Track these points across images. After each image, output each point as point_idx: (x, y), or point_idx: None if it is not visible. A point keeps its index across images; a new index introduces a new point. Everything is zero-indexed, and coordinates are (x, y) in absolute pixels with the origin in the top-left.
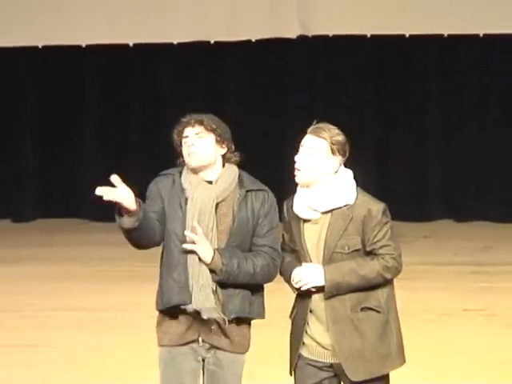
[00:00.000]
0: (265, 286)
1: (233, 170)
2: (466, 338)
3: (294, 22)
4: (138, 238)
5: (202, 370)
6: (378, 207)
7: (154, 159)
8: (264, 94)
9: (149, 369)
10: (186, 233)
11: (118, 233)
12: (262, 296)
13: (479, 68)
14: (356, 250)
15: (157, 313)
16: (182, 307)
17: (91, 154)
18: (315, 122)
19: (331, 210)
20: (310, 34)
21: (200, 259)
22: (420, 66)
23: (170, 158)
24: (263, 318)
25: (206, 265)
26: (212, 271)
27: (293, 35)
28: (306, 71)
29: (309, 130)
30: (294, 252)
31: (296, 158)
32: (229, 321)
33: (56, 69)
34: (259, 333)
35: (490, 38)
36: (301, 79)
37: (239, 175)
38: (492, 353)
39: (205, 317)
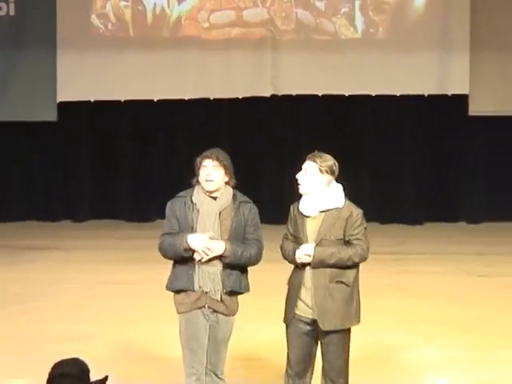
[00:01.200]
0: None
1: (229, 189)
2: (387, 304)
3: (268, 85)
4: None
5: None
6: (357, 212)
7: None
8: (249, 136)
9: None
10: (206, 234)
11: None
12: (247, 275)
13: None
14: (338, 239)
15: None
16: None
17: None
18: (316, 151)
19: (326, 211)
20: (280, 93)
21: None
22: (354, 121)
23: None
24: (249, 291)
25: (221, 253)
26: (221, 257)
27: (267, 94)
28: (280, 119)
29: (308, 156)
30: (295, 239)
31: (297, 175)
32: (225, 293)
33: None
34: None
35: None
36: (278, 128)
37: (233, 193)
38: (405, 314)
39: (212, 296)
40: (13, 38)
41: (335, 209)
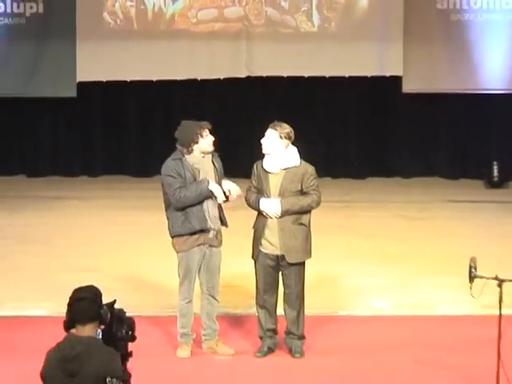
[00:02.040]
0: None
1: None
2: (337, 242)
3: (243, 68)
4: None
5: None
6: (311, 168)
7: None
8: (229, 108)
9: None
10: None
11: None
12: None
13: None
14: (297, 191)
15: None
16: (203, 229)
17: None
18: (275, 121)
19: (286, 168)
20: (253, 74)
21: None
22: (311, 97)
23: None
24: (227, 226)
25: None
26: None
27: (243, 75)
28: (254, 96)
29: (270, 125)
30: (258, 190)
31: (261, 140)
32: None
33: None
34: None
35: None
36: (253, 102)
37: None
38: (350, 250)
39: (214, 232)
40: (41, 31)
41: (294, 167)
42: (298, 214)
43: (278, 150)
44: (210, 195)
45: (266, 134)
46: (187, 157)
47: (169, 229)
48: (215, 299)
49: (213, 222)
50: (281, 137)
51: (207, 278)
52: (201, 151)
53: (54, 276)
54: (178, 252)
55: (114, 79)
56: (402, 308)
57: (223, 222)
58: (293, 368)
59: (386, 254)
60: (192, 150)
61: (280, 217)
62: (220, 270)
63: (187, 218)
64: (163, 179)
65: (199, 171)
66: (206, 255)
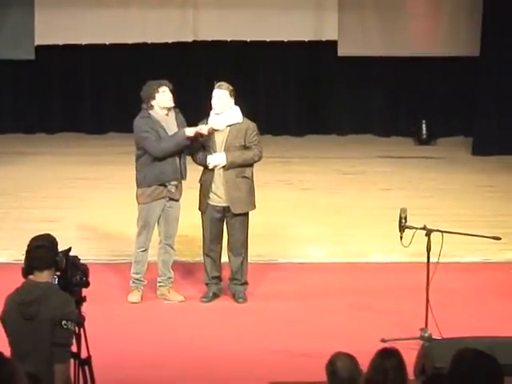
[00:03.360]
0: None
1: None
2: (277, 195)
3: (190, 33)
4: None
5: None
6: (253, 125)
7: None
8: (176, 69)
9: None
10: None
11: None
12: None
13: None
14: (241, 146)
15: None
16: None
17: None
18: (215, 82)
19: (231, 125)
20: (198, 39)
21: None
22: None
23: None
24: (185, 179)
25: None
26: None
27: (190, 39)
28: (199, 59)
29: (216, 86)
30: (204, 147)
31: (213, 101)
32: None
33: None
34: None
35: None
36: (198, 65)
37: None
38: (289, 202)
39: (175, 189)
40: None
41: (237, 123)
42: (241, 168)
43: (228, 108)
44: (187, 145)
45: (216, 94)
46: (152, 114)
47: (137, 180)
48: (172, 248)
49: (185, 173)
50: (230, 95)
51: (165, 229)
52: (160, 107)
53: (13, 225)
54: (139, 203)
55: (69, 43)
56: (336, 256)
57: (182, 174)
58: (236, 312)
59: (321, 206)
60: (151, 105)
61: (225, 169)
62: (178, 222)
63: (162, 170)
64: (137, 135)
65: (164, 128)
66: (166, 207)
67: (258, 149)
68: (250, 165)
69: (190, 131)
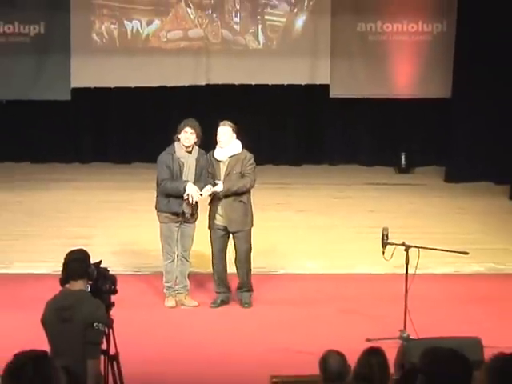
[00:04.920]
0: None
1: (196, 148)
2: (275, 216)
3: (203, 77)
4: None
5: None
6: (250, 155)
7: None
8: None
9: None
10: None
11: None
12: None
13: None
14: (239, 173)
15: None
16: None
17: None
18: (220, 121)
19: (231, 156)
20: (211, 82)
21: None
22: (257, 100)
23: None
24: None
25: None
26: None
27: (203, 83)
28: (212, 99)
29: (220, 124)
30: (213, 175)
31: (218, 137)
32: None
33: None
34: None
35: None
36: (210, 104)
37: (198, 149)
38: (287, 222)
39: (188, 215)
40: (42, 47)
41: (237, 154)
42: (237, 194)
43: (231, 142)
44: (184, 194)
45: (221, 131)
46: (177, 151)
47: (156, 202)
48: (187, 260)
49: (188, 209)
50: (233, 131)
51: (182, 243)
52: (181, 143)
53: (51, 241)
54: (160, 222)
55: (100, 86)
56: (328, 268)
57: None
58: (242, 316)
59: (315, 225)
60: (178, 138)
61: (222, 195)
62: (193, 239)
63: (170, 201)
64: (157, 166)
65: (183, 164)
66: (182, 226)
67: (251, 177)
68: (245, 191)
69: (190, 189)
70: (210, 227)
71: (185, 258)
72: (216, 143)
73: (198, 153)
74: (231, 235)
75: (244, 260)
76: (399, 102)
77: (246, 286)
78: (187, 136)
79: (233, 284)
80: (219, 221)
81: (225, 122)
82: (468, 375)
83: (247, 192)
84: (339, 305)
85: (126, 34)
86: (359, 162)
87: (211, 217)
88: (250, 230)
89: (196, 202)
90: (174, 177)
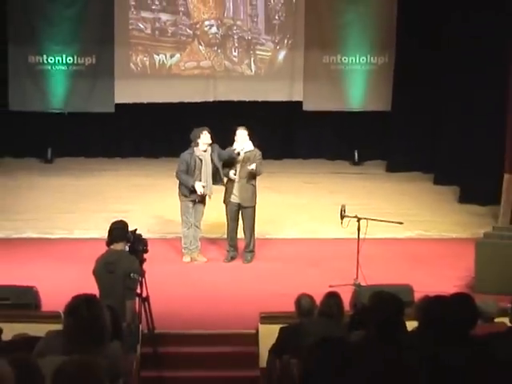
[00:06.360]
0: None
1: (209, 147)
2: (265, 197)
3: (211, 95)
4: None
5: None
6: (259, 152)
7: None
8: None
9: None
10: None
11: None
12: None
13: None
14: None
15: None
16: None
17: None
18: (238, 125)
19: (246, 152)
20: (217, 99)
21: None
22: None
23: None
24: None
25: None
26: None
27: (211, 99)
28: (219, 112)
29: (239, 128)
30: (231, 164)
31: (237, 137)
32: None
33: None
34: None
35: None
36: (217, 116)
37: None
38: (272, 201)
39: (199, 198)
40: (94, 73)
41: (250, 150)
42: (250, 178)
43: (246, 141)
44: (192, 189)
45: (240, 133)
46: (196, 150)
47: (178, 188)
48: (199, 228)
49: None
50: (248, 133)
51: (195, 216)
52: (203, 143)
53: (100, 215)
54: (180, 201)
55: (135, 101)
56: (302, 234)
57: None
58: (242, 269)
59: (292, 203)
60: (197, 143)
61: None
62: (203, 213)
63: (184, 188)
64: (179, 161)
65: (201, 160)
66: (195, 205)
67: (260, 168)
68: (255, 177)
69: (196, 186)
70: (225, 203)
71: (197, 226)
72: (233, 142)
73: (211, 150)
74: (240, 210)
75: (249, 228)
76: (353, 114)
77: (250, 247)
78: (207, 137)
79: (240, 246)
80: (234, 199)
81: (242, 126)
82: (401, 311)
83: (255, 178)
84: (310, 261)
85: (154, 64)
86: (324, 156)
87: (227, 195)
88: (255, 206)
89: (202, 193)
90: (189, 170)
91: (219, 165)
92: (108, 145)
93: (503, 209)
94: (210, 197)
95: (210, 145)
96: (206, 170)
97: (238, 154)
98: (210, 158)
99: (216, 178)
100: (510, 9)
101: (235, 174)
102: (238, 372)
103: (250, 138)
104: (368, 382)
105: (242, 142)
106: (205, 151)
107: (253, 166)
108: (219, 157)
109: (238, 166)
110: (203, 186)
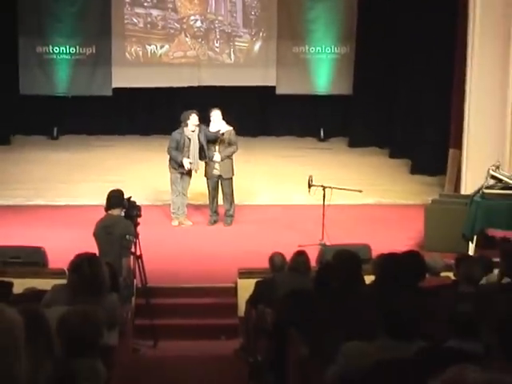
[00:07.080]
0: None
1: (197, 127)
2: (244, 167)
3: (196, 80)
4: None
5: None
6: (233, 131)
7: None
8: (188, 101)
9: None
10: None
11: None
12: None
13: None
14: (227, 142)
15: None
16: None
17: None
18: (211, 108)
19: (223, 132)
20: (201, 84)
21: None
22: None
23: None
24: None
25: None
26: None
27: (196, 84)
28: (202, 95)
29: (214, 109)
30: (212, 143)
31: (213, 118)
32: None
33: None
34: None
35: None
36: (200, 98)
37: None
38: (250, 174)
39: (186, 171)
40: (94, 61)
41: (227, 131)
42: (228, 154)
43: (221, 121)
44: (181, 164)
45: (215, 114)
46: (185, 130)
47: (168, 162)
48: (185, 196)
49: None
50: (222, 113)
51: (182, 185)
52: (192, 124)
53: (100, 184)
54: (170, 173)
55: (130, 86)
56: (276, 201)
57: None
58: (225, 230)
59: (268, 173)
60: (187, 124)
61: (220, 159)
62: (189, 183)
63: (173, 162)
64: (170, 138)
65: (190, 139)
66: (183, 176)
67: (236, 144)
68: (232, 153)
69: (184, 162)
70: (207, 176)
71: (184, 194)
72: (209, 122)
73: (199, 131)
74: (220, 181)
75: (229, 196)
76: (320, 97)
77: (230, 212)
78: (195, 119)
79: (220, 211)
80: (215, 171)
81: (216, 108)
82: (359, 267)
83: (232, 154)
84: (283, 223)
85: (147, 53)
86: (295, 134)
87: (210, 169)
88: (232, 177)
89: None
90: (178, 147)
91: (205, 143)
92: (107, 123)
93: (448, 178)
94: (196, 171)
95: (198, 125)
96: (194, 148)
97: (223, 134)
98: (197, 138)
99: (202, 155)
100: None
101: (218, 156)
102: (219, 320)
103: (226, 119)
104: (331, 327)
105: (218, 121)
106: (193, 131)
107: (216, 158)
108: (206, 137)
109: (218, 144)
110: (190, 163)
